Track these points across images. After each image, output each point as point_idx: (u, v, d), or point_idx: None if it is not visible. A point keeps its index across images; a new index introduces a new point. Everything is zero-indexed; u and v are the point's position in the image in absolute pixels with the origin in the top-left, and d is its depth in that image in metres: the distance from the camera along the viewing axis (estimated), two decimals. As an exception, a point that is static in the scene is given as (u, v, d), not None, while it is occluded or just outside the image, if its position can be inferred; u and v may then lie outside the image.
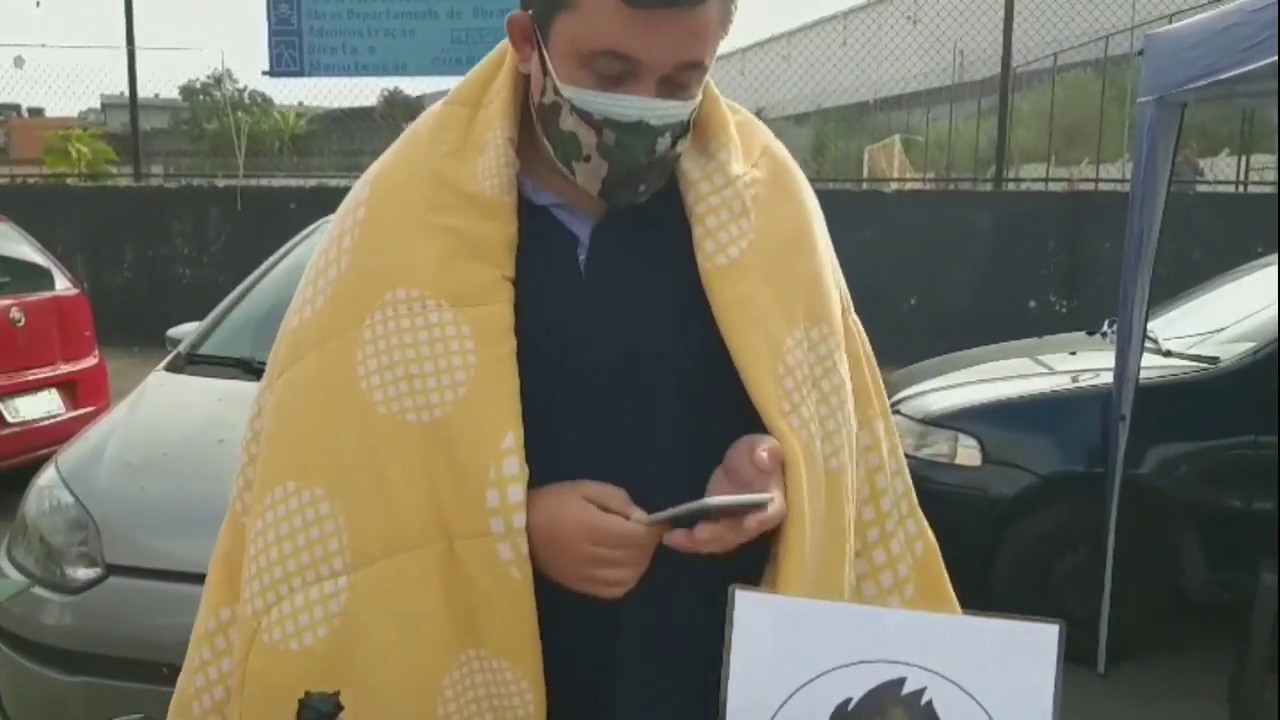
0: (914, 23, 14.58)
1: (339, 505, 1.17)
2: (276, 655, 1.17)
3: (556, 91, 1.14)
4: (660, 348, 1.20)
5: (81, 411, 5.47)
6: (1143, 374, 3.61)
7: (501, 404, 1.14)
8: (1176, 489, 3.82)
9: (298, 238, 3.95)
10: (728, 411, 1.18)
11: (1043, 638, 0.89)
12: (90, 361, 5.61)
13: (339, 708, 0.92)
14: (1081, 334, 4.97)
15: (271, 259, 3.84)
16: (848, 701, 0.92)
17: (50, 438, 5.30)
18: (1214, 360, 3.94)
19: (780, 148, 1.32)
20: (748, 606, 0.92)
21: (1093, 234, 7.58)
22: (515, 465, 1.11)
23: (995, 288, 7.94)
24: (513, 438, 1.12)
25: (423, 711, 1.13)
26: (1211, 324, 4.23)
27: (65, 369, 5.45)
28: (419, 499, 1.14)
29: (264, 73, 8.52)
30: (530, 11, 1.16)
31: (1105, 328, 4.69)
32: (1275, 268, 4.09)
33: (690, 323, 1.20)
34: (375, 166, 1.31)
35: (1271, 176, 11.03)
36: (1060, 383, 4.20)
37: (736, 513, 1.05)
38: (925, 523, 1.33)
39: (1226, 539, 3.77)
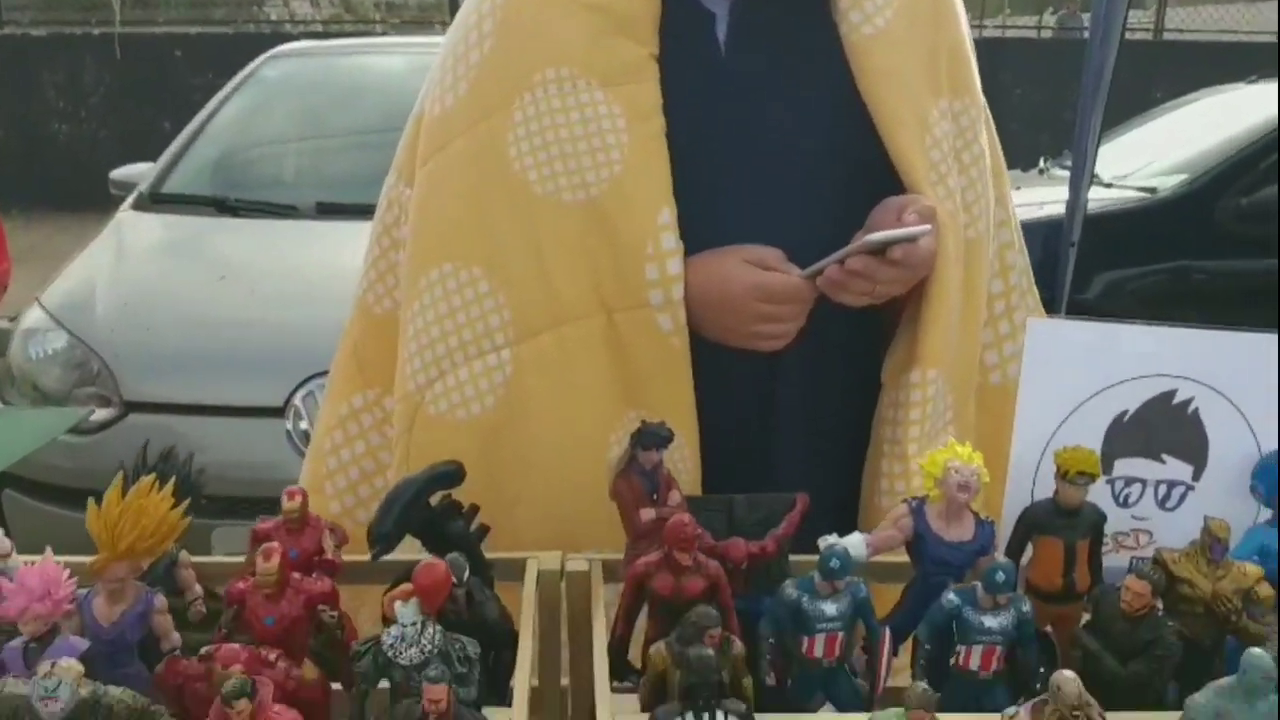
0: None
1: (497, 283, 1.18)
2: (444, 424, 1.20)
3: None
4: (803, 119, 1.22)
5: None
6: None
7: (655, 181, 1.16)
8: (1118, 310, 4.08)
9: (243, 74, 3.71)
10: (870, 180, 1.20)
11: (1296, 347, 0.98)
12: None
13: None
14: (1016, 171, 5.17)
15: (218, 99, 3.62)
16: (1124, 414, 1.00)
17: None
18: (1152, 190, 4.17)
19: None
20: (1038, 332, 0.98)
21: (1005, 81, 7.77)
22: (672, 240, 1.14)
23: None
24: (668, 213, 1.14)
25: (592, 466, 1.15)
26: (1144, 158, 4.46)
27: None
28: (578, 273, 1.16)
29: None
30: None
31: (1042, 164, 4.89)
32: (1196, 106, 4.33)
33: (833, 93, 1.21)
34: None
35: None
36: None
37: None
38: (1039, 300, 1.41)
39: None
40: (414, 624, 0.76)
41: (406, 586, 0.78)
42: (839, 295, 1.13)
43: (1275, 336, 0.99)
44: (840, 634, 0.86)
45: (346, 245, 3.19)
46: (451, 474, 0.94)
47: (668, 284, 1.14)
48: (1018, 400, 0.99)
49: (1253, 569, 0.90)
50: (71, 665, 0.68)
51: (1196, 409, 1.00)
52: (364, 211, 3.31)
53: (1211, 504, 0.99)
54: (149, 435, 2.43)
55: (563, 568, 0.99)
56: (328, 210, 3.09)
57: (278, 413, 2.43)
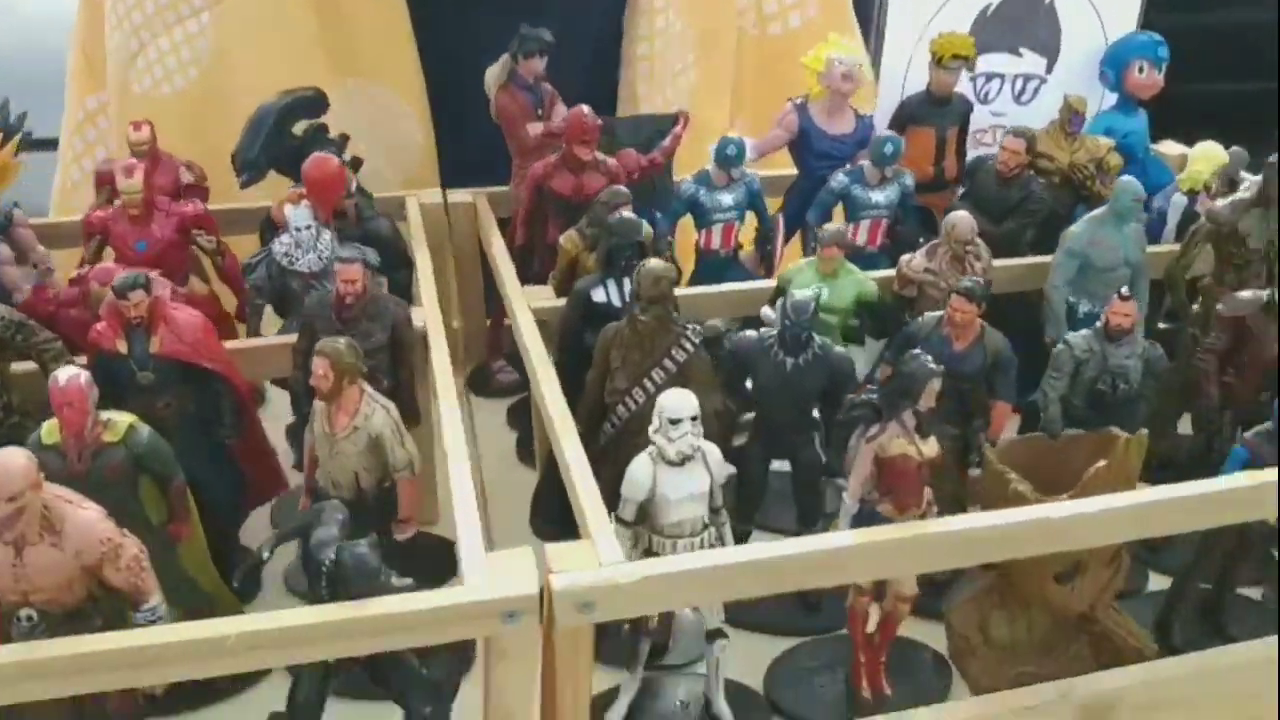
0: None
1: None
2: (150, 101, 1.13)
3: None
4: None
5: None
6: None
7: None
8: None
9: None
10: None
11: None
12: None
13: None
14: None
15: None
16: (987, 8, 1.01)
17: None
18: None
19: None
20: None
21: None
22: None
23: None
24: None
25: None
26: None
27: None
28: None
29: None
30: None
31: None
32: None
33: None
34: None
35: None
36: None
37: None
38: None
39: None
40: (308, 227, 0.72)
41: (296, 189, 0.73)
42: None
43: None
44: (735, 224, 0.87)
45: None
46: (313, 100, 0.87)
47: None
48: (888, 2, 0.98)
49: (1104, 141, 0.96)
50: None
51: (1053, 1, 1.02)
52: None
53: (1062, 95, 1.04)
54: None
55: (445, 201, 0.96)
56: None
57: None
